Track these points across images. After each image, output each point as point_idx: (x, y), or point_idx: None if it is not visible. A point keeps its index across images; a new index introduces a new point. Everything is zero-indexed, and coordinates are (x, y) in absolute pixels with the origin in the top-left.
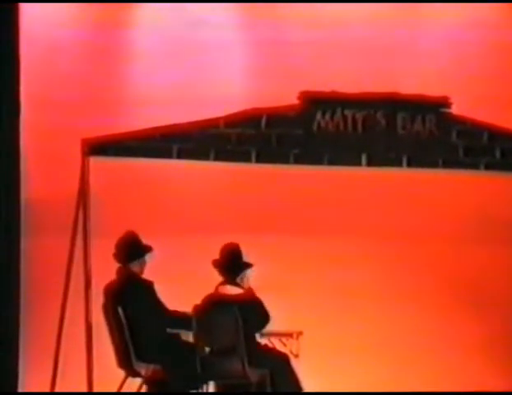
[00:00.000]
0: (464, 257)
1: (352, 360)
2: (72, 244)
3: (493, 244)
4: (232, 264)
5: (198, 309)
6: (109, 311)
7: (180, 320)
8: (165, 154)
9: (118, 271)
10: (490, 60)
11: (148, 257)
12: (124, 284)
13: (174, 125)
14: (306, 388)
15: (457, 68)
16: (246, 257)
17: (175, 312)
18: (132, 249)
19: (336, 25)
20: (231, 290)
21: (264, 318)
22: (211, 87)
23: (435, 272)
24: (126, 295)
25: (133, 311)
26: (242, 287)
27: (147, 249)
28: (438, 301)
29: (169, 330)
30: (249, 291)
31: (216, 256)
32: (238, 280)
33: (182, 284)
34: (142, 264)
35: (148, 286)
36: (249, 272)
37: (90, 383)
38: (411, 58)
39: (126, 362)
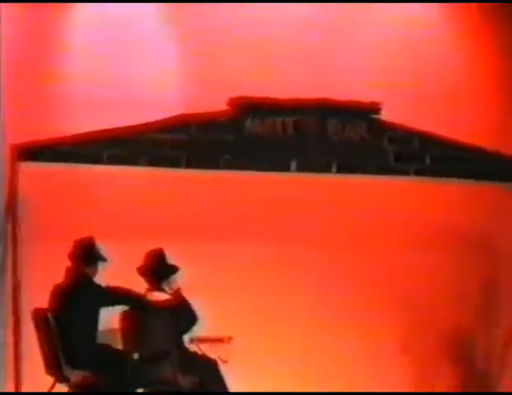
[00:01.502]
0: (394, 261)
1: (282, 365)
2: (5, 251)
3: (424, 249)
4: (158, 270)
5: (126, 316)
6: (55, 312)
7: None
8: (96, 159)
9: (72, 272)
10: (422, 67)
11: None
12: (78, 284)
13: (106, 130)
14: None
15: (388, 75)
16: (174, 262)
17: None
18: (92, 254)
19: (267, 30)
20: (159, 296)
21: (192, 318)
22: (143, 91)
23: (366, 277)
24: (76, 295)
25: (71, 315)
26: (169, 292)
27: (103, 258)
28: (368, 306)
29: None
30: (177, 295)
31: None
32: (164, 285)
33: None
34: (95, 270)
35: (99, 292)
36: (176, 277)
37: (17, 388)
38: (342, 64)
39: (55, 368)
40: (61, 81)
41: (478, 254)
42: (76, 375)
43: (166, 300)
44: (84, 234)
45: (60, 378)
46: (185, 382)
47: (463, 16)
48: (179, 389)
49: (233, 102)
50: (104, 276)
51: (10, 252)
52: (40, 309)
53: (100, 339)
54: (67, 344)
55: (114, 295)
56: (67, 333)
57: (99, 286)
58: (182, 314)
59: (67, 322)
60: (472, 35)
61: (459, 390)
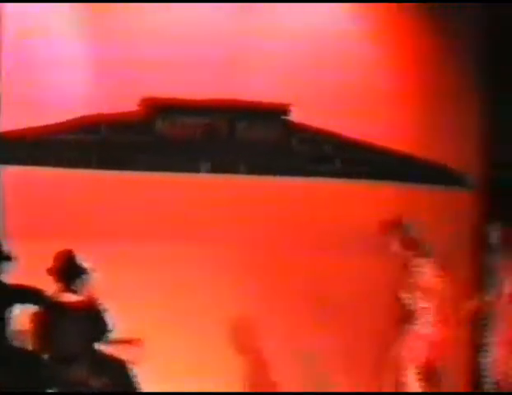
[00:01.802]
0: (302, 260)
1: (193, 366)
2: None
3: (333, 248)
4: (67, 271)
5: (37, 317)
6: None
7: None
8: (5, 160)
9: None
10: (335, 68)
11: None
12: None
13: (13, 131)
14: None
15: (299, 76)
16: (84, 262)
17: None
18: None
19: (179, 32)
20: (69, 297)
21: (105, 328)
22: (52, 92)
23: (277, 275)
24: None
25: None
26: (79, 294)
27: (9, 257)
28: (285, 308)
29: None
30: (90, 298)
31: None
32: (74, 286)
33: None
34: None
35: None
36: (86, 278)
37: None
38: (253, 65)
39: None
40: None
41: (387, 254)
42: None
43: (78, 302)
44: None
45: None
46: (96, 383)
47: (382, 18)
48: (90, 390)
49: (144, 103)
50: (13, 276)
51: None
52: None
53: (12, 339)
54: None
55: (21, 294)
56: None
57: (5, 285)
58: (96, 322)
59: None
60: (391, 37)
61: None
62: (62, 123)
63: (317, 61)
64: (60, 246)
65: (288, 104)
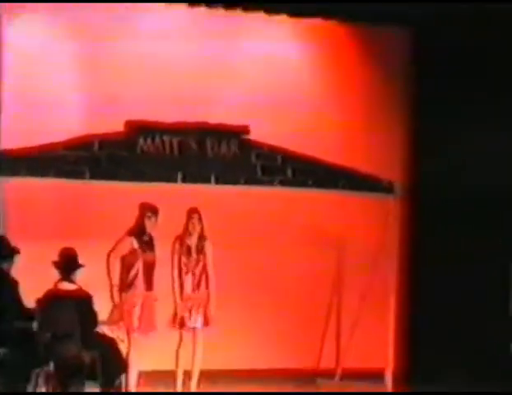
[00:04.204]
0: (256, 258)
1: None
2: None
3: (286, 248)
4: (67, 264)
5: (41, 302)
6: None
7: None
8: (15, 172)
9: None
10: (287, 93)
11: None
12: None
13: (23, 148)
14: (133, 364)
15: (256, 102)
16: (81, 258)
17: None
18: (2, 250)
19: (157, 64)
20: (68, 286)
21: (94, 315)
22: (49, 113)
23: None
24: None
25: None
26: (76, 283)
27: (15, 251)
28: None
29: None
30: (82, 289)
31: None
32: (72, 277)
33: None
34: (11, 264)
35: (13, 284)
36: (81, 271)
37: None
38: (219, 93)
39: None
40: None
41: (330, 252)
42: None
43: (74, 290)
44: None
45: None
46: (87, 357)
47: (328, 40)
48: (82, 364)
49: (128, 124)
50: (20, 269)
51: None
52: None
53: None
54: None
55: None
56: None
57: (14, 280)
58: (87, 307)
59: None
60: (336, 61)
61: None
62: (61, 142)
63: (270, 89)
64: (60, 244)
65: (247, 126)
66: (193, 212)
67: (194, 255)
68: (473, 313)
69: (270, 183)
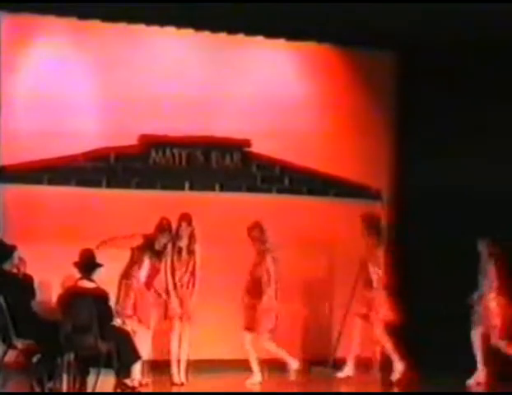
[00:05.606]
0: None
1: None
2: None
3: (282, 249)
4: (87, 264)
5: (63, 297)
6: None
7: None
8: (38, 181)
9: None
10: (283, 111)
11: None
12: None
13: (45, 160)
14: (143, 353)
15: (259, 115)
16: (98, 260)
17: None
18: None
19: (167, 86)
20: (87, 284)
21: (110, 310)
22: (70, 128)
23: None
24: (6, 285)
25: (13, 298)
26: (95, 281)
27: (13, 248)
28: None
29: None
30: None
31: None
32: (92, 276)
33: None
34: (13, 261)
35: (26, 280)
36: (100, 271)
37: None
38: (223, 110)
39: (6, 338)
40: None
41: (321, 254)
42: (21, 343)
43: (92, 288)
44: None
45: (10, 346)
46: (103, 348)
47: (319, 59)
48: (100, 353)
49: (141, 138)
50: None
51: None
52: None
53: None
54: (14, 319)
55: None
56: (14, 311)
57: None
58: (105, 305)
59: (13, 303)
60: (328, 81)
61: None
62: (81, 154)
63: (271, 105)
64: (79, 246)
65: (249, 140)
66: (183, 217)
67: (185, 256)
68: (459, 312)
69: (268, 191)
